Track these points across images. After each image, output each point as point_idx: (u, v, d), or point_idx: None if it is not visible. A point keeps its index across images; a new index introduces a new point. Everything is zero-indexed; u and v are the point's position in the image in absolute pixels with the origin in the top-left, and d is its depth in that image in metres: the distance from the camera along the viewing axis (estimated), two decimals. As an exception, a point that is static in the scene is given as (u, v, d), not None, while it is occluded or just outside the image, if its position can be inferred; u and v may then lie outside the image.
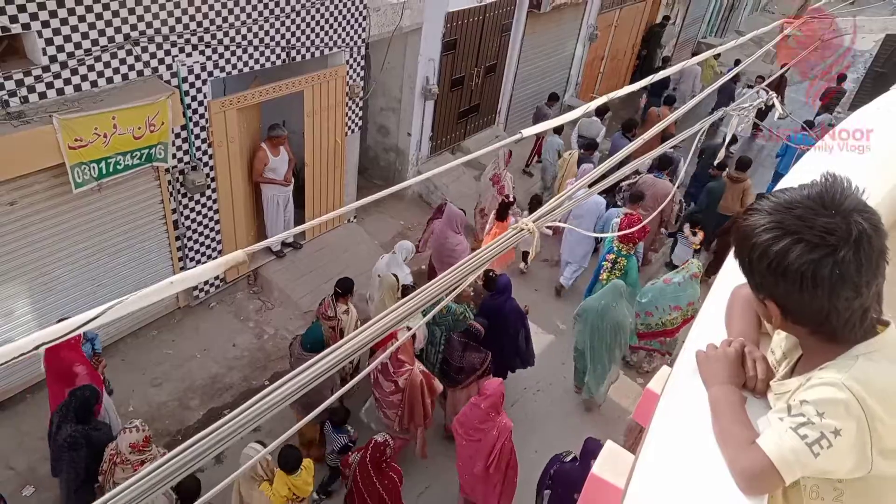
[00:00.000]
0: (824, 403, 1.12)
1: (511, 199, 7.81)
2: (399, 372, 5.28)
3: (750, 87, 10.61)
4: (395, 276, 6.38)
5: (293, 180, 7.30)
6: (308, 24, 6.68)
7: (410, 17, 7.95)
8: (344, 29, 7.12)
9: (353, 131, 8.17)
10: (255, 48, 6.27)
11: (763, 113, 9.70)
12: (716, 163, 8.21)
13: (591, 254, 8.18)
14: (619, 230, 6.73)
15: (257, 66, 6.41)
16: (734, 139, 6.80)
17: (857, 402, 1.10)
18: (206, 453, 1.08)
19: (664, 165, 8.56)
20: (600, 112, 10.12)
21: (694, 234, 7.89)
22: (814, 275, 1.09)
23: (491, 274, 6.18)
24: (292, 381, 1.19)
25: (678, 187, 6.94)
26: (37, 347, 0.87)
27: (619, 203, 8.42)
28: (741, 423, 1.24)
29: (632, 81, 9.62)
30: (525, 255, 8.55)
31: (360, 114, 8.19)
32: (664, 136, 6.81)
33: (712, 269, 7.72)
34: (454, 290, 1.42)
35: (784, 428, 1.15)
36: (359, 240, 8.70)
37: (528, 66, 11.38)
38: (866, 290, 1.10)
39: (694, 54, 10.32)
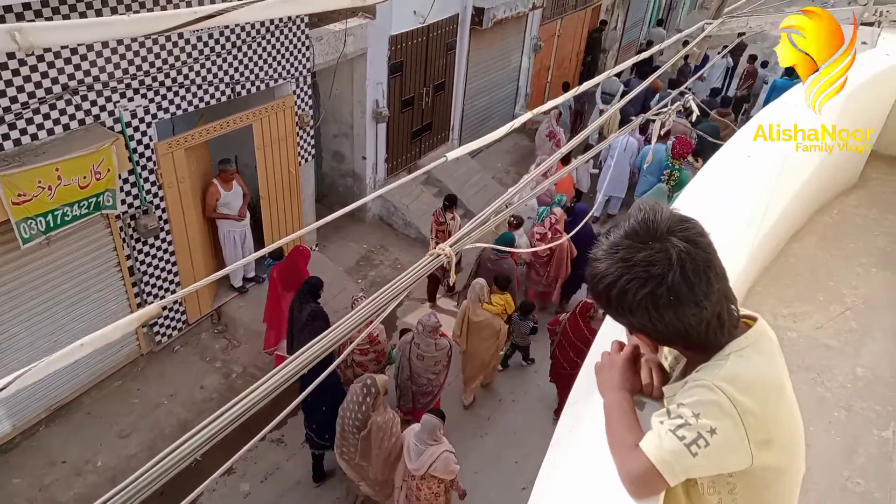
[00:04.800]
0: (699, 405, 1.16)
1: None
2: (555, 238, 7.56)
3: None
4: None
5: (248, 215, 7.24)
6: (251, 59, 6.67)
7: (354, 43, 8.01)
8: (288, 60, 7.13)
9: (306, 160, 8.16)
10: (199, 87, 6.24)
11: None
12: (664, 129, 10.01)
13: (627, 185, 10.20)
14: (673, 150, 8.78)
15: (203, 105, 6.37)
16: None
17: (729, 400, 1.14)
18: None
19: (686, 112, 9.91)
20: (616, 75, 12.10)
21: (696, 161, 9.74)
22: (655, 305, 1.13)
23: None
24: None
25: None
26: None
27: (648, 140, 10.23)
28: (629, 428, 1.28)
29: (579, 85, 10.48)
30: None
31: (313, 142, 8.19)
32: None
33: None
34: (384, 311, 1.62)
35: (664, 430, 1.19)
36: (323, 268, 8.64)
37: (477, 81, 11.53)
38: (708, 302, 1.14)
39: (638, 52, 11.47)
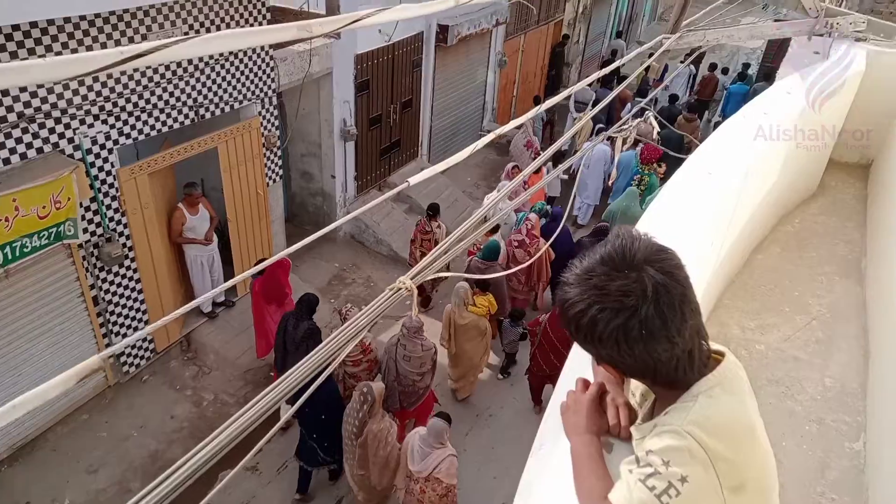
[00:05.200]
0: (668, 451, 1.12)
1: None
2: (533, 243, 7.71)
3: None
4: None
5: (215, 238, 7.12)
6: (215, 81, 6.59)
7: (319, 62, 7.98)
8: (252, 81, 7.07)
9: (274, 181, 8.08)
10: (162, 111, 6.14)
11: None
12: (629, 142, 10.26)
13: (601, 192, 10.52)
14: (641, 156, 9.14)
15: (166, 129, 6.26)
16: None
17: (699, 445, 1.10)
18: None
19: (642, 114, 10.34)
20: (589, 85, 12.65)
21: (659, 166, 10.01)
22: (626, 337, 1.09)
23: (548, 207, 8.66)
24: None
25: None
26: None
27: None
28: (596, 476, 1.23)
29: (544, 99, 10.61)
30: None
31: (280, 163, 8.11)
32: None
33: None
34: (355, 339, 1.65)
35: (633, 480, 1.14)
36: (295, 288, 8.52)
37: (444, 97, 11.58)
38: (680, 339, 1.10)
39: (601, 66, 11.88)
